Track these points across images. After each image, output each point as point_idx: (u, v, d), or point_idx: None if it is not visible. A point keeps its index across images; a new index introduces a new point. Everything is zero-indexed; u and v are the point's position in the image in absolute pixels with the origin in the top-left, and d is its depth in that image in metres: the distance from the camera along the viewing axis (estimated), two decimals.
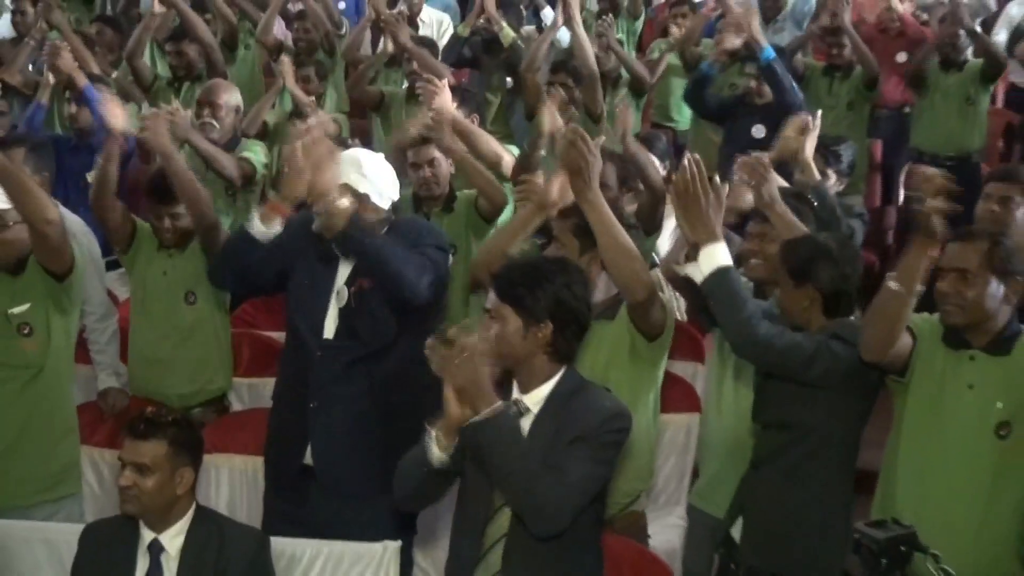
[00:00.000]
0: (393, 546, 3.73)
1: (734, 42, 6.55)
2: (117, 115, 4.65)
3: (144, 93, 7.33)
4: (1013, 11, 8.41)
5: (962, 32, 7.47)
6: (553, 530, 2.95)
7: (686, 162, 3.42)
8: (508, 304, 3.07)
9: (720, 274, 3.39)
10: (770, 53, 6.48)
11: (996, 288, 3.34)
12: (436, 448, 3.01)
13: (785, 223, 4.01)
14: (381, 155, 4.05)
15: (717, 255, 3.38)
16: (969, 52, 7.49)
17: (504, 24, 7.75)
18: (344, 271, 3.91)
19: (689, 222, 3.41)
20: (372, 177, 3.87)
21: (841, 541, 3.22)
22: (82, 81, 6.15)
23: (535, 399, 3.11)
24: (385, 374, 3.76)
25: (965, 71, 7.42)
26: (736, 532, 3.69)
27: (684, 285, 3.82)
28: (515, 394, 3.14)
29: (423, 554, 4.18)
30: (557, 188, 3.90)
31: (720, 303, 3.43)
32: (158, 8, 7.34)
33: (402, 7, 8.27)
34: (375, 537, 3.75)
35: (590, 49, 6.81)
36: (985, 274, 3.32)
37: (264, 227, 3.80)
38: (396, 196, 3.97)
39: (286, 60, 6.99)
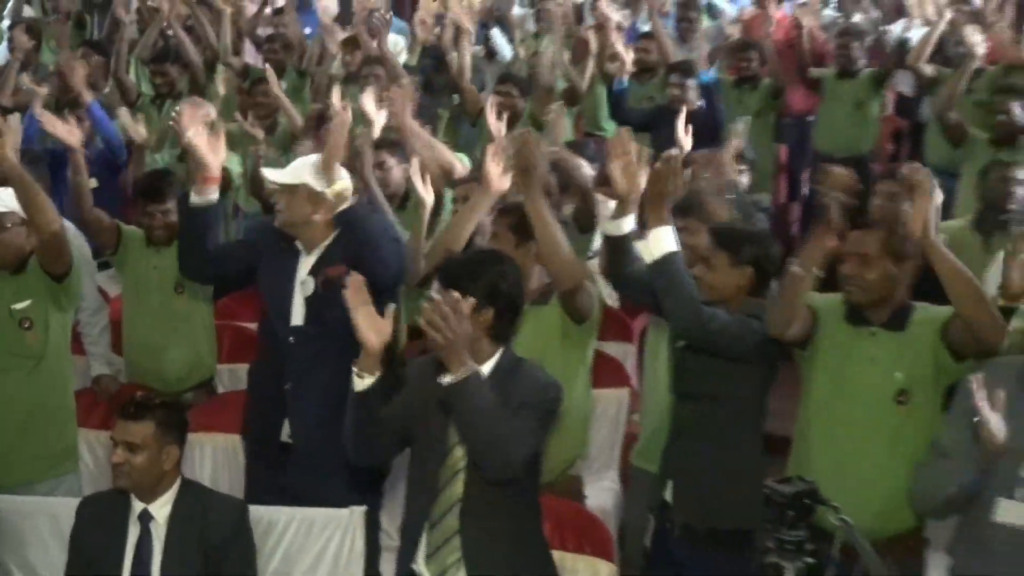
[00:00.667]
0: (359, 511, 3.73)
1: None
2: (70, 132, 4.73)
3: (129, 108, 7.25)
4: (897, 30, 8.49)
5: (855, 44, 7.53)
6: (509, 474, 2.98)
7: (667, 156, 3.51)
8: (453, 291, 3.05)
9: (668, 257, 3.43)
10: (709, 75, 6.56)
11: (892, 271, 3.38)
12: (358, 379, 3.05)
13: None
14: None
15: (666, 240, 3.43)
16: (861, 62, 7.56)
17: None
18: (307, 262, 3.90)
19: (653, 207, 3.46)
20: (337, 169, 3.85)
21: (758, 497, 3.25)
22: (88, 97, 6.12)
23: None
24: (353, 356, 3.76)
25: (858, 79, 7.48)
26: (668, 495, 3.69)
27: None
28: None
29: (389, 519, 4.16)
30: (495, 174, 3.91)
31: (667, 284, 3.45)
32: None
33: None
34: (344, 504, 3.75)
35: (548, 66, 6.83)
36: (883, 258, 3.36)
37: (201, 198, 3.85)
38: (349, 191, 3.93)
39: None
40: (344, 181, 3.86)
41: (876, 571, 2.87)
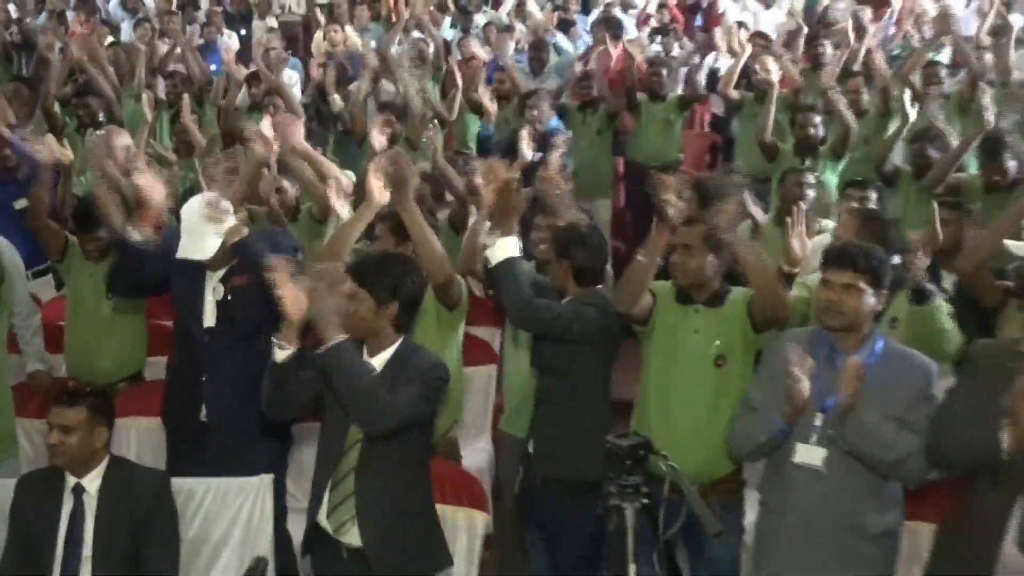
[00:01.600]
0: (267, 478, 3.68)
1: None
2: (47, 149, 4.66)
3: (57, 137, 7.03)
4: (709, 61, 8.65)
5: (663, 72, 7.66)
6: (383, 430, 3.02)
7: (505, 178, 3.55)
8: (364, 288, 3.09)
9: (508, 261, 3.48)
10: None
11: (712, 260, 3.44)
12: (279, 350, 3.06)
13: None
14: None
15: (509, 247, 3.48)
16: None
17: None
18: (215, 276, 3.86)
19: (500, 219, 3.51)
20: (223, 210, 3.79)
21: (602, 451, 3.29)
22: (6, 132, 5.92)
23: (380, 360, 3.15)
24: (260, 349, 3.70)
25: (667, 102, 7.61)
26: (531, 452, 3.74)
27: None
28: (364, 357, 3.14)
29: (294, 484, 4.13)
30: (376, 190, 3.88)
31: (505, 283, 3.51)
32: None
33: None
34: (254, 473, 3.69)
35: (417, 99, 6.83)
36: (703, 249, 3.43)
37: (140, 235, 3.78)
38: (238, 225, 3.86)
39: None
40: (231, 220, 3.79)
41: (698, 508, 2.93)
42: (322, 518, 3.18)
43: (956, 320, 3.75)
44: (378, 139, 5.13)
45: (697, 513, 2.93)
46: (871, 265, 3.10)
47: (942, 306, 3.69)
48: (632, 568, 2.91)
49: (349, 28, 10.50)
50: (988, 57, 7.37)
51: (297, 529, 3.65)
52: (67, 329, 4.82)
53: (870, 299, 3.10)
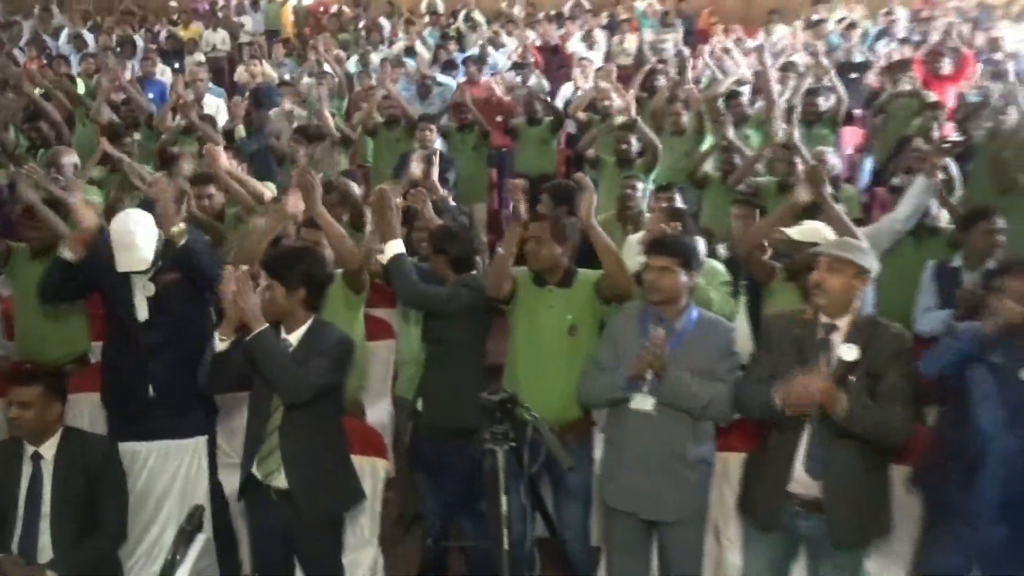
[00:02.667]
0: (202, 439, 3.65)
1: None
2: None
3: (8, 158, 6.77)
4: (565, 91, 8.79)
5: (536, 103, 7.75)
6: (300, 399, 3.03)
7: (380, 191, 3.65)
8: (275, 279, 3.08)
9: (397, 258, 3.54)
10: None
11: (558, 249, 3.50)
12: (219, 341, 3.05)
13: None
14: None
15: (396, 247, 3.54)
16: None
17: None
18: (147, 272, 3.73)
19: (381, 228, 3.56)
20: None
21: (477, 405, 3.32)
22: None
23: (296, 336, 3.15)
24: (193, 334, 3.63)
25: (541, 125, 7.70)
26: (419, 407, 3.76)
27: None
28: (283, 335, 3.13)
29: (226, 442, 4.06)
30: (292, 202, 3.87)
31: (397, 276, 3.54)
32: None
33: (191, 95, 7.92)
34: (190, 436, 3.64)
35: (330, 121, 6.75)
36: (551, 240, 3.49)
37: (71, 254, 3.67)
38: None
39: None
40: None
41: (554, 448, 3.00)
42: (254, 469, 3.17)
43: (742, 291, 3.97)
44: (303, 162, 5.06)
45: (553, 452, 3.00)
46: (682, 252, 3.18)
47: (707, 283, 3.84)
48: (503, 499, 2.97)
49: (266, 63, 10.32)
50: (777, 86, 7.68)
51: (228, 480, 3.63)
52: (16, 321, 4.62)
53: (683, 278, 3.16)
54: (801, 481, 2.97)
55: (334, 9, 14.03)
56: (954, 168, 5.31)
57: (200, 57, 11.38)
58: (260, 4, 14.18)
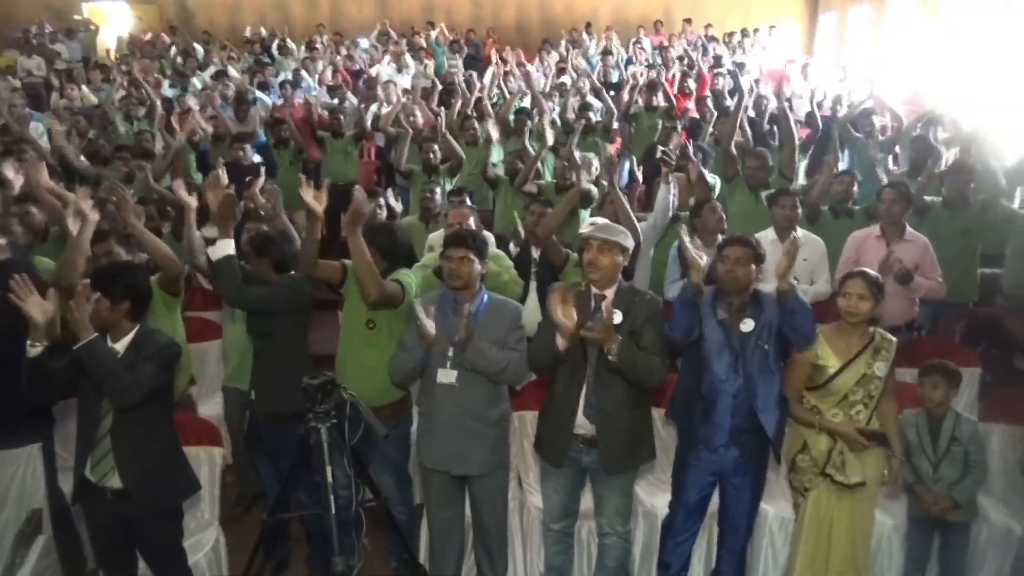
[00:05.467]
0: (36, 447, 3.40)
1: None
2: None
3: None
4: (373, 108, 8.66)
5: (341, 118, 7.68)
6: (133, 402, 2.84)
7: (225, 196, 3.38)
8: (101, 292, 2.88)
9: (227, 259, 3.35)
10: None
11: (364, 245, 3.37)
12: (30, 348, 2.80)
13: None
14: None
15: (227, 247, 3.35)
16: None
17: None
18: None
19: (221, 224, 3.35)
20: None
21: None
22: None
23: (122, 345, 2.95)
24: (16, 347, 3.19)
25: (344, 139, 7.59)
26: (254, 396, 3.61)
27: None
28: (109, 343, 2.93)
29: (62, 448, 3.72)
30: (85, 207, 3.61)
31: (224, 274, 3.37)
32: None
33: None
34: (27, 444, 3.40)
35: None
36: (359, 239, 3.33)
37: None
38: None
39: None
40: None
41: (369, 420, 3.00)
42: (88, 472, 2.97)
43: (533, 276, 4.10)
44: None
45: (369, 423, 3.00)
46: (476, 244, 3.25)
47: (500, 267, 3.97)
48: (328, 470, 2.95)
49: (85, 88, 9.54)
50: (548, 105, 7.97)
51: (67, 483, 3.32)
52: None
53: (477, 266, 3.24)
54: (582, 424, 3.16)
55: (149, 36, 13.20)
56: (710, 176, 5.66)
57: (15, 83, 10.33)
58: (76, 32, 13.06)
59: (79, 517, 3.47)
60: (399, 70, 10.87)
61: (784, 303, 3.07)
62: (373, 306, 3.40)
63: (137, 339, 2.97)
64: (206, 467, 3.59)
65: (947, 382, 3.45)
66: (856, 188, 5.09)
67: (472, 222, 4.22)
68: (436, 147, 6.36)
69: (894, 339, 3.28)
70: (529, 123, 7.35)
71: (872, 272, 3.30)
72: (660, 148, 5.06)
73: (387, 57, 11.44)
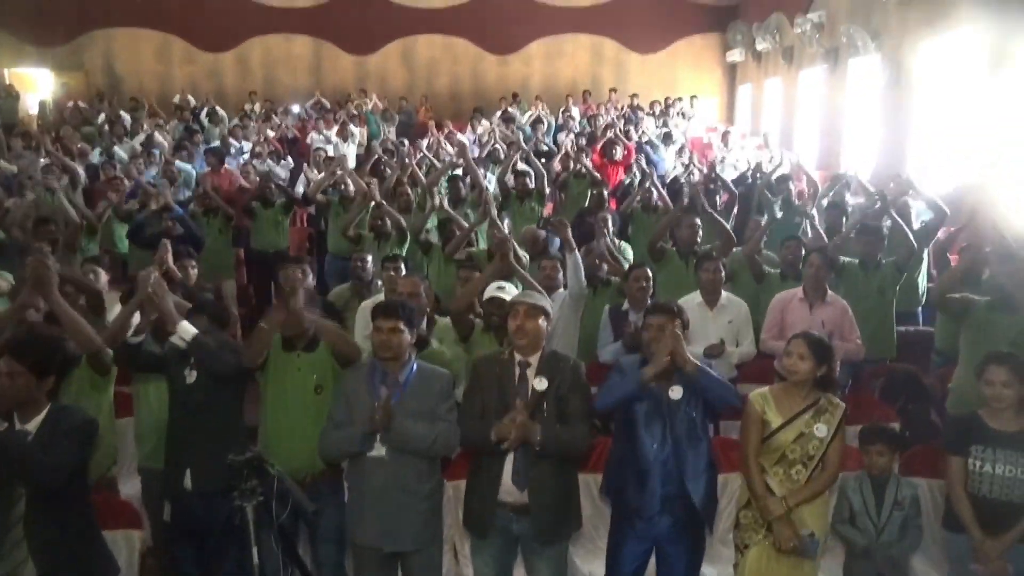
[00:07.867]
0: None
1: None
2: None
3: None
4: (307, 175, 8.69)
5: (272, 186, 7.66)
6: (55, 484, 2.69)
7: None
8: (23, 365, 2.74)
9: (196, 338, 3.30)
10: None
11: (306, 317, 3.37)
12: None
13: None
14: None
15: (189, 329, 3.31)
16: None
17: None
18: None
19: (161, 314, 3.29)
20: None
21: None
22: None
23: (34, 424, 2.80)
24: None
25: (275, 207, 7.56)
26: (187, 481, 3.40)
27: None
28: (17, 424, 2.77)
29: None
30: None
31: (205, 356, 3.31)
32: None
33: None
34: None
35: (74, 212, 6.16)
36: (301, 313, 3.35)
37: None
38: None
39: None
40: None
41: (296, 496, 2.95)
42: None
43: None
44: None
45: (297, 500, 2.92)
46: (407, 314, 3.21)
47: (441, 338, 3.99)
48: (254, 550, 2.85)
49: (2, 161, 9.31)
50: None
51: None
52: None
53: (407, 337, 3.19)
54: (510, 491, 3.12)
55: (73, 104, 12.99)
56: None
57: None
58: None
59: None
60: (344, 139, 10.93)
61: (694, 382, 3.10)
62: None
63: (50, 417, 2.81)
64: (125, 551, 3.40)
65: (891, 449, 3.53)
66: (803, 252, 5.26)
67: (423, 290, 4.19)
68: (386, 216, 6.41)
69: (842, 404, 3.24)
70: (463, 190, 7.47)
71: (815, 333, 3.35)
72: (547, 219, 5.20)
73: (321, 123, 11.52)
